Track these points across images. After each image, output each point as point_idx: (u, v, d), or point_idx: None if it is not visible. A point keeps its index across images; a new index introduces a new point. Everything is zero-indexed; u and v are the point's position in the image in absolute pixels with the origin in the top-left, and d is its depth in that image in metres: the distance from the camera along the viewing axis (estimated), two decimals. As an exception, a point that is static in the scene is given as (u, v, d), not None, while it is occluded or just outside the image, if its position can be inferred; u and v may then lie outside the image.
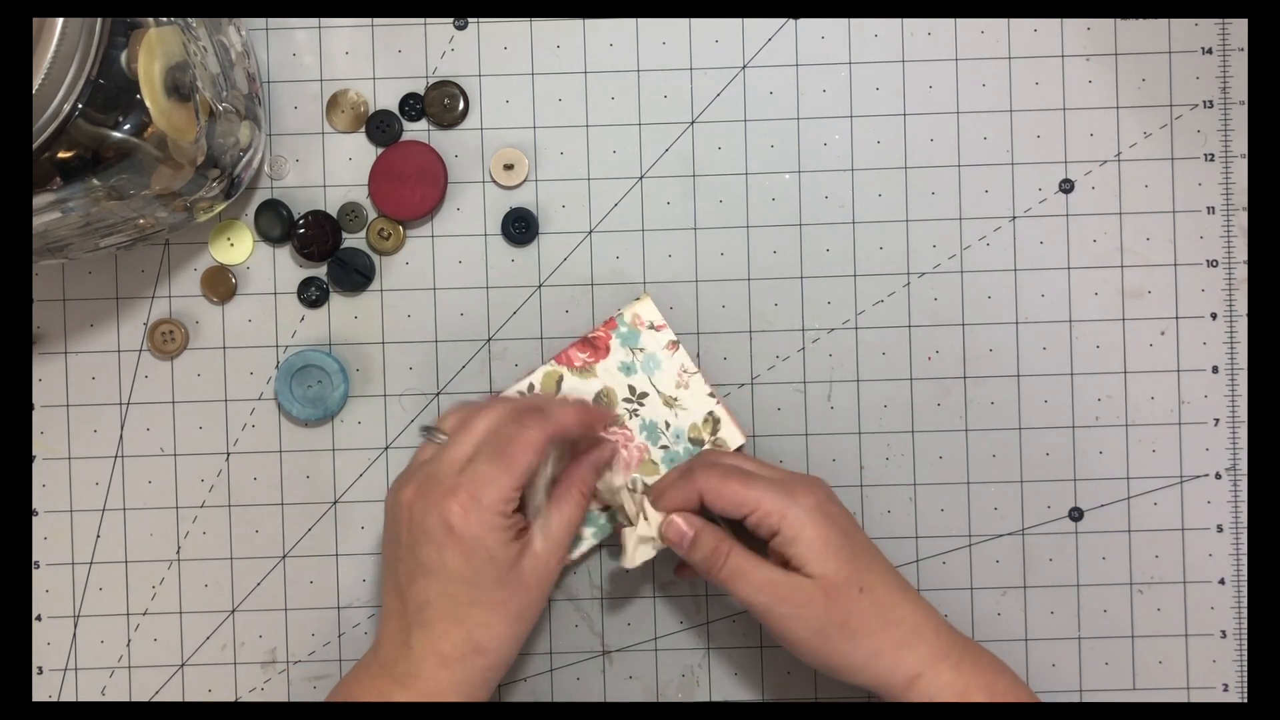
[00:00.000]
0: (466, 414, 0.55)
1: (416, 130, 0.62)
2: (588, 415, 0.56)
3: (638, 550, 0.56)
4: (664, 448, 0.60)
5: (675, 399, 0.60)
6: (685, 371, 0.60)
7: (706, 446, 0.60)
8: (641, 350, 0.60)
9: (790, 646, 0.55)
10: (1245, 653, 0.62)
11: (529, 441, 0.52)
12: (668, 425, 0.60)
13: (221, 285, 0.62)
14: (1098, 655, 0.62)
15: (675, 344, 0.60)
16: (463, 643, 0.52)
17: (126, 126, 0.48)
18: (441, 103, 0.62)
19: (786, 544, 0.53)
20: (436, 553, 0.51)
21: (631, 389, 0.60)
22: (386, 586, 0.54)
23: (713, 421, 0.60)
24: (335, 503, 0.63)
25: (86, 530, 0.62)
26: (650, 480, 0.59)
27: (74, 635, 0.63)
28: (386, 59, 0.62)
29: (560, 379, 0.60)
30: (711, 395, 0.60)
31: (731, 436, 0.60)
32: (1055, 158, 0.62)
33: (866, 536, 0.56)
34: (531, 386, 0.60)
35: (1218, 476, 0.62)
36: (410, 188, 0.61)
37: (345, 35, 0.62)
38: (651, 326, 0.60)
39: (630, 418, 0.60)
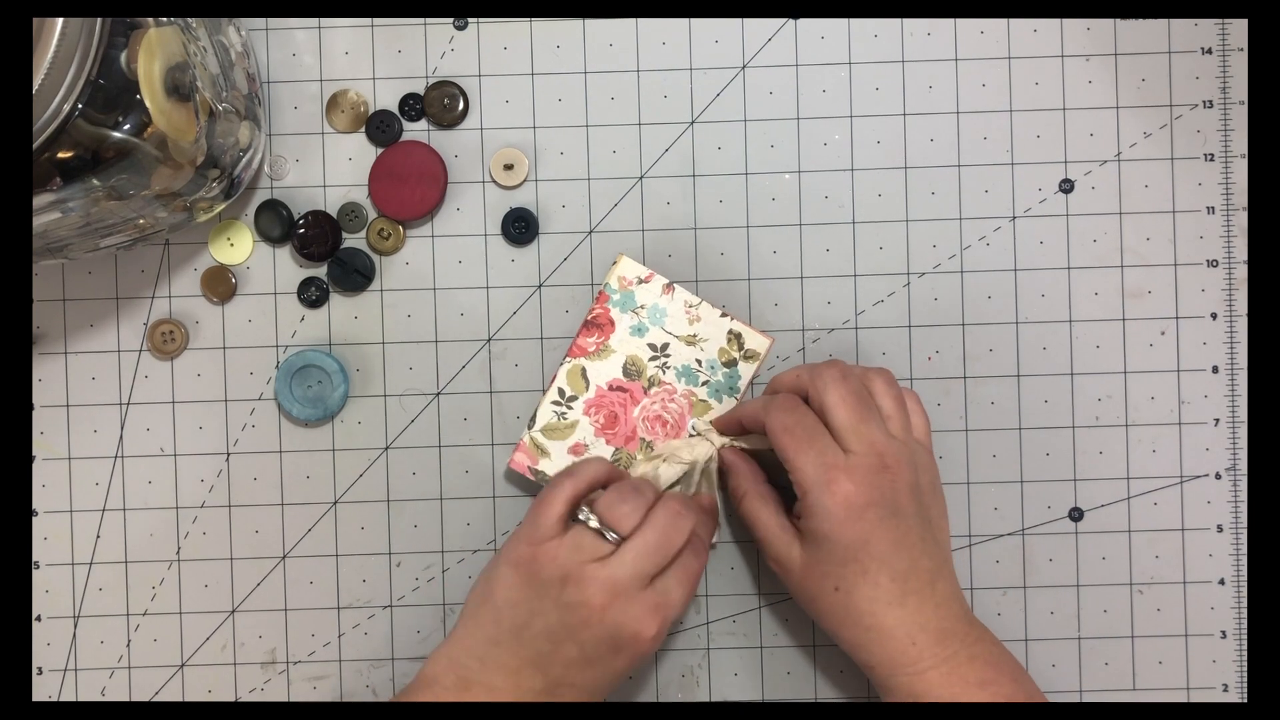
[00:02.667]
0: (634, 507, 0.55)
1: (416, 130, 0.62)
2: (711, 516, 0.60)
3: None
4: (705, 383, 0.61)
5: (694, 335, 0.61)
6: (691, 306, 0.61)
7: (739, 364, 0.61)
8: (642, 307, 0.61)
9: None
10: (1245, 653, 0.62)
11: (702, 567, 0.57)
12: (699, 362, 0.61)
13: (221, 285, 0.62)
14: (1098, 655, 0.62)
15: (670, 286, 0.61)
16: (584, 696, 0.55)
17: (126, 126, 0.48)
18: (441, 103, 0.62)
19: (800, 516, 0.56)
20: (611, 655, 0.54)
21: (652, 346, 0.61)
22: (508, 635, 0.54)
23: (736, 338, 0.61)
24: (335, 503, 0.63)
25: (86, 530, 0.62)
26: (707, 419, 0.61)
27: (74, 636, 0.63)
28: (386, 59, 0.62)
29: (584, 370, 0.61)
30: (725, 315, 0.61)
31: (758, 344, 0.61)
32: (1055, 158, 0.62)
33: (895, 544, 0.54)
34: (561, 391, 0.60)
35: (1218, 477, 0.62)
36: (410, 188, 0.61)
37: (345, 35, 0.62)
38: (640, 281, 0.61)
39: (664, 373, 0.61)
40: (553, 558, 0.54)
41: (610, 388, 0.61)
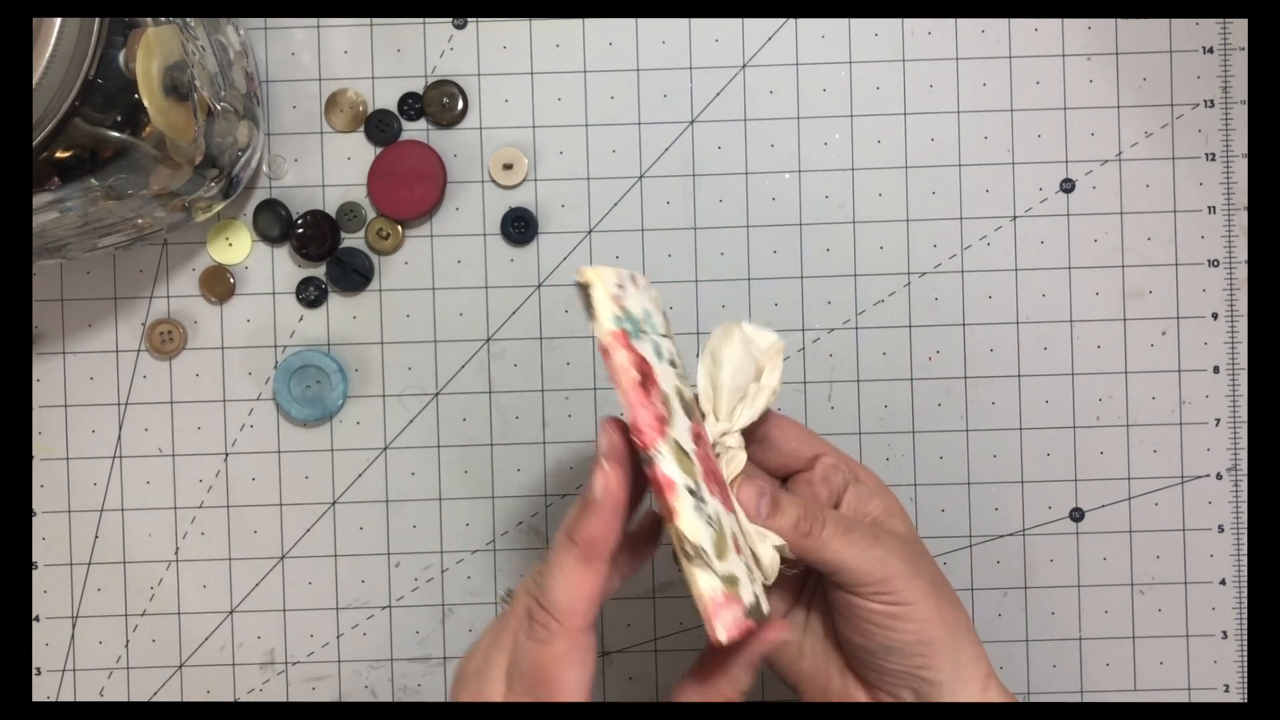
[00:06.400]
0: None
1: (415, 130, 0.62)
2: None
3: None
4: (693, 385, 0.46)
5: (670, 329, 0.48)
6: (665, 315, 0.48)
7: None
8: (644, 321, 0.44)
9: (876, 635, 0.46)
10: (1246, 653, 0.62)
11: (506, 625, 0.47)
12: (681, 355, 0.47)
13: (220, 285, 0.62)
14: (1099, 656, 0.62)
15: (634, 277, 0.45)
16: None
17: (125, 126, 0.48)
18: (440, 102, 0.62)
19: (891, 605, 0.45)
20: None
21: (672, 364, 0.45)
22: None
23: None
24: (334, 503, 0.63)
25: (85, 531, 0.62)
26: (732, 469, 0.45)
27: (72, 636, 0.62)
28: (385, 58, 0.62)
29: (677, 444, 0.42)
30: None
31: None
32: (1056, 157, 0.62)
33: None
34: (690, 489, 0.41)
35: (1219, 477, 0.62)
36: (409, 187, 0.61)
37: (344, 35, 0.62)
38: (620, 286, 0.44)
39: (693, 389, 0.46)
40: None
41: (696, 441, 0.42)
